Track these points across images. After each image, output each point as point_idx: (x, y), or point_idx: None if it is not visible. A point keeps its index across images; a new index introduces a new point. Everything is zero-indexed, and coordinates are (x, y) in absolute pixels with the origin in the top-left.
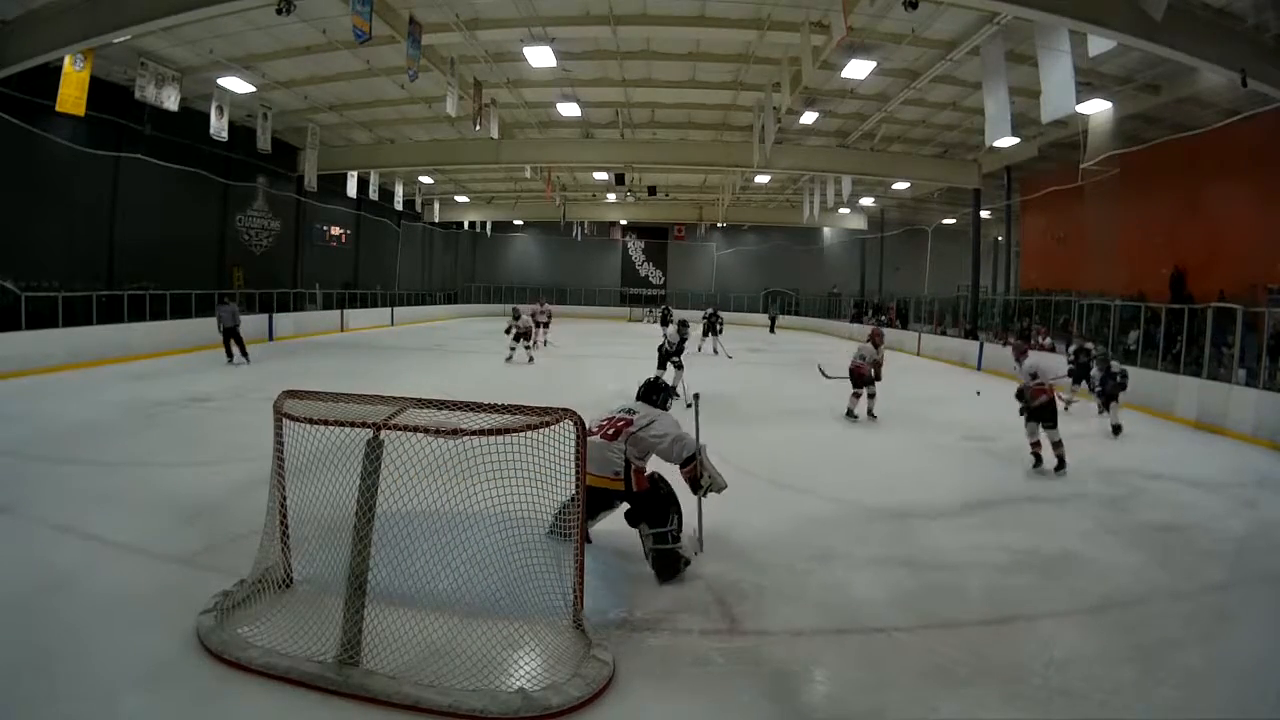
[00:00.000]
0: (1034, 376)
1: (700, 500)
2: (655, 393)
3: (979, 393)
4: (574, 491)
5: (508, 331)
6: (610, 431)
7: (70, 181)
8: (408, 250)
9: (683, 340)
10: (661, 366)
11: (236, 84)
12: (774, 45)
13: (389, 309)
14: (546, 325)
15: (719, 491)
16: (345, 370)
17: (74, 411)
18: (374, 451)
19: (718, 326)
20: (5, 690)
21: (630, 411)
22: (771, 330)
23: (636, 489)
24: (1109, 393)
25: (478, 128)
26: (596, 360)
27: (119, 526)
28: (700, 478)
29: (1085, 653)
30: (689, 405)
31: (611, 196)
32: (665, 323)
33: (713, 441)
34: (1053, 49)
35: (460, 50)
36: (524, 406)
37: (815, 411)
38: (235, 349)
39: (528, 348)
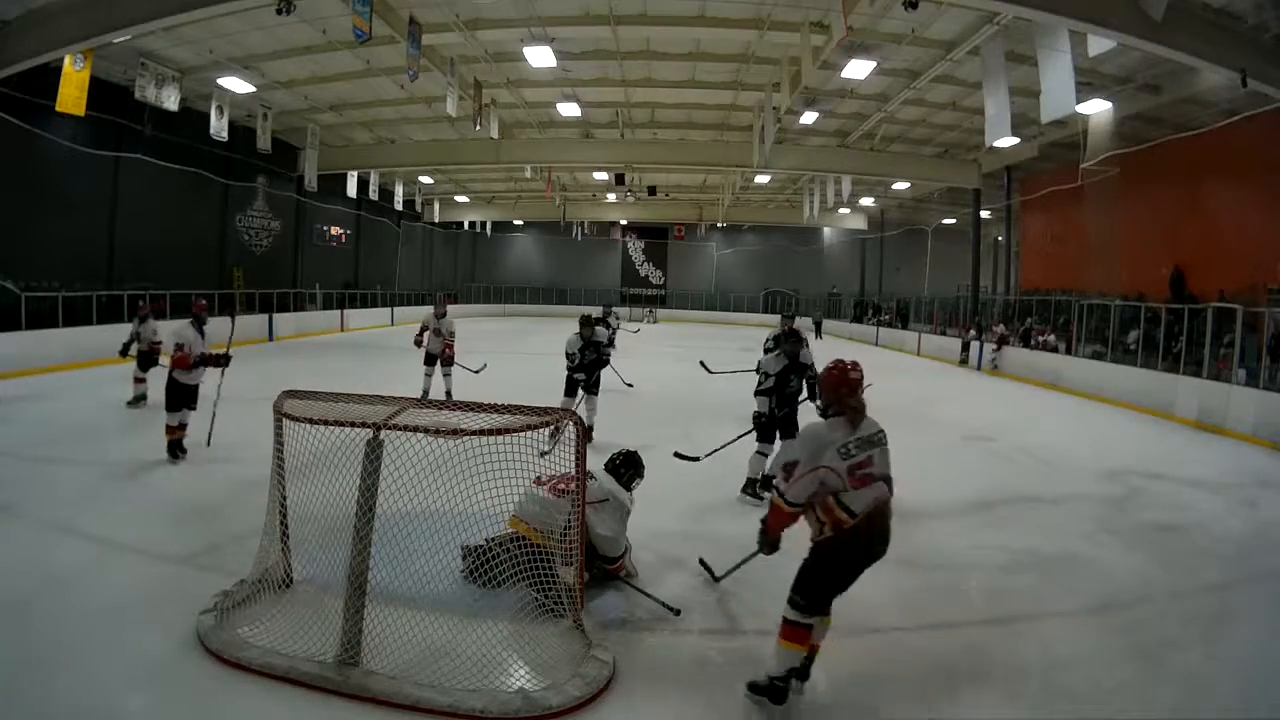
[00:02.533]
0: None
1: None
2: (627, 467)
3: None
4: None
5: (124, 351)
6: (561, 488)
7: (70, 181)
8: (408, 250)
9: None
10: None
11: (236, 84)
12: (774, 45)
13: (389, 309)
14: (444, 356)
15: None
16: (345, 370)
17: (74, 411)
18: (374, 451)
19: (611, 334)
20: (5, 690)
21: (590, 477)
22: (818, 336)
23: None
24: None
25: (478, 128)
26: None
27: (119, 526)
28: (619, 574)
29: (1085, 653)
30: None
31: (611, 196)
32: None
33: (712, 441)
34: (1053, 49)
35: (460, 50)
36: (524, 406)
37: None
38: None
39: (140, 377)
